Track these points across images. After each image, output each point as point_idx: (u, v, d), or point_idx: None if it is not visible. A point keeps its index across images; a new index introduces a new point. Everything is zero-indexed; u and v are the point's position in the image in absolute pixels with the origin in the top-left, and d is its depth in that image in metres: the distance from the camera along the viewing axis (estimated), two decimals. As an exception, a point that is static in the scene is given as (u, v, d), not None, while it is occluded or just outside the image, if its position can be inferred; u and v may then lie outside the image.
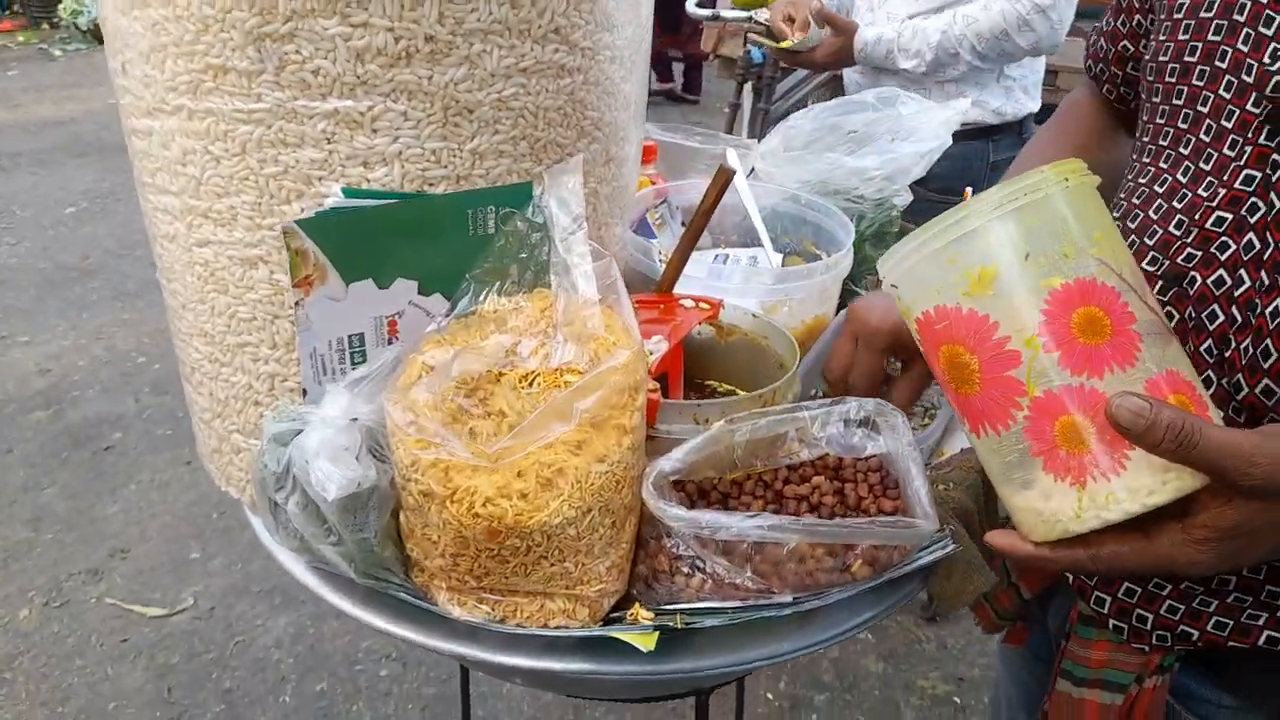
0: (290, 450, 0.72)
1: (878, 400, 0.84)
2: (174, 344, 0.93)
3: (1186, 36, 0.73)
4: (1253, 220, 0.67)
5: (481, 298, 0.80)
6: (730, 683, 1.44)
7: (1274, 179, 0.65)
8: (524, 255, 0.80)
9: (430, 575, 0.76)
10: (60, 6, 8.25)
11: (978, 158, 1.94)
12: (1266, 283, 0.66)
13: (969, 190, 1.34)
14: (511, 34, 0.76)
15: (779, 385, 0.89)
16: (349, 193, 0.76)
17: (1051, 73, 2.78)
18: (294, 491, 0.72)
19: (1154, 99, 0.77)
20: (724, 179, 0.93)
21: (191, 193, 0.79)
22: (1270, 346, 0.66)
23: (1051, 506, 0.59)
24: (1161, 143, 0.76)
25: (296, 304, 0.77)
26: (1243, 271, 0.67)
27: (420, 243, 0.79)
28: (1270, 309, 0.66)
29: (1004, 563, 0.96)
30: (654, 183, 1.27)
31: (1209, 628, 0.75)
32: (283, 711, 2.13)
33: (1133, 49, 0.90)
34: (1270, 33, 0.65)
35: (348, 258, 0.77)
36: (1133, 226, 0.77)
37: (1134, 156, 0.81)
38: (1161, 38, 0.76)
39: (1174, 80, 0.74)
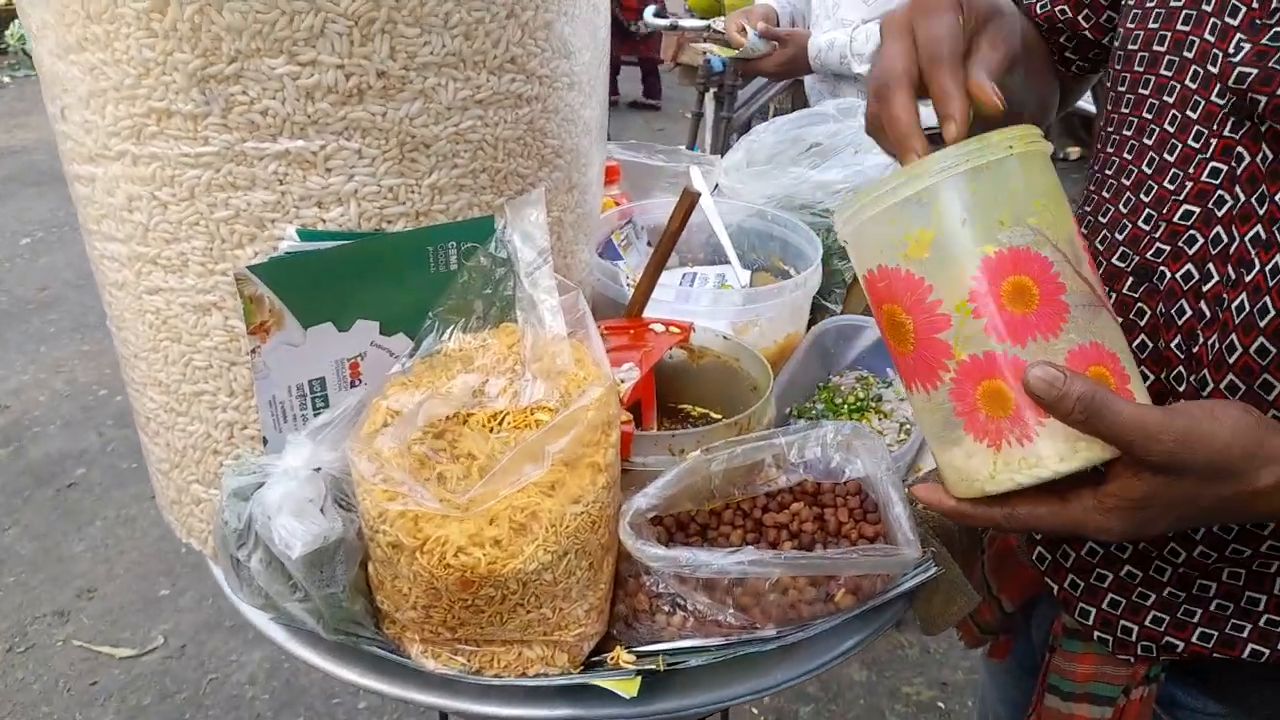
0: (251, 506, 0.69)
1: (854, 423, 0.83)
2: (128, 393, 0.90)
3: (1156, 25, 0.72)
4: (1220, 214, 0.66)
5: (446, 336, 0.78)
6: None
7: (1238, 172, 0.65)
8: (488, 291, 0.78)
9: (402, 627, 0.74)
10: (7, 33, 8.09)
11: None
12: (1233, 277, 0.65)
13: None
14: (466, 66, 0.74)
15: (754, 410, 0.87)
16: (304, 235, 0.74)
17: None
18: (256, 548, 0.70)
19: (1119, 88, 0.76)
20: (689, 202, 0.91)
21: (139, 239, 0.76)
22: (1235, 341, 0.65)
23: (971, 466, 0.60)
24: (1126, 133, 0.75)
25: (252, 351, 0.74)
26: (1210, 266, 0.67)
27: (380, 282, 0.77)
28: (1235, 304, 0.65)
29: (984, 576, 0.95)
30: (618, 203, 1.25)
31: (1194, 639, 0.74)
32: (260, 750, 2.08)
33: (1088, 22, 0.85)
34: (1235, 22, 0.65)
35: (305, 302, 0.74)
36: (1104, 221, 0.76)
37: (1098, 146, 0.80)
38: (1130, 25, 0.74)
39: (1142, 69, 0.73)
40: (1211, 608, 0.73)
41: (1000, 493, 0.60)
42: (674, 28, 2.59)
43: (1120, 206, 0.74)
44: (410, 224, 0.77)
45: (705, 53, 2.86)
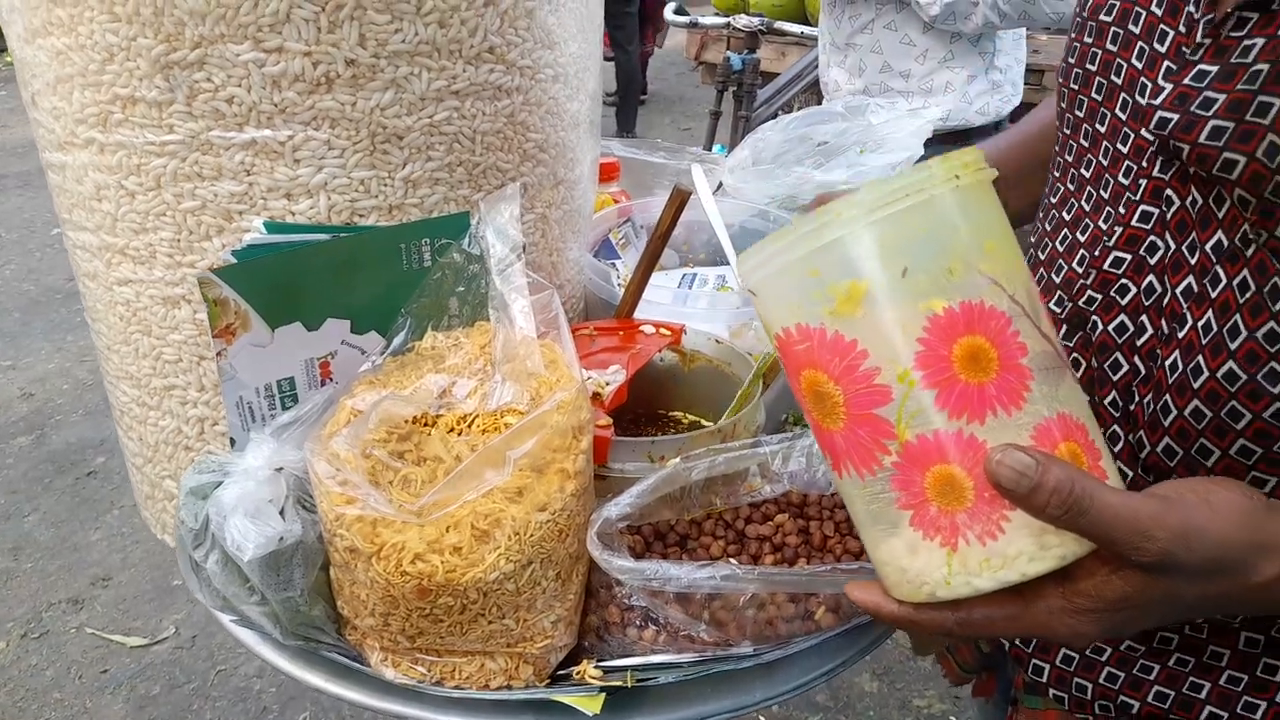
0: (208, 505, 0.67)
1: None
2: (104, 386, 0.89)
3: (1090, 40, 0.65)
4: (1152, 261, 0.60)
5: (418, 334, 0.76)
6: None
7: (1168, 216, 0.58)
8: (461, 288, 0.76)
9: (363, 634, 0.71)
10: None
11: None
12: (1166, 332, 0.59)
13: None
14: (441, 55, 0.72)
15: (739, 416, 0.84)
16: (271, 227, 0.72)
17: (1037, 72, 2.72)
18: (213, 549, 0.68)
19: (1062, 104, 0.69)
20: (679, 201, 0.88)
21: (108, 229, 0.75)
22: (1169, 402, 0.59)
23: (918, 565, 0.51)
24: (1067, 157, 0.68)
25: (218, 354, 0.72)
26: (1144, 318, 0.60)
27: (351, 280, 0.75)
28: (1169, 361, 0.58)
29: None
30: (616, 201, 1.22)
31: (1149, 698, 0.68)
32: (264, 743, 2.08)
33: None
34: (1163, 49, 0.58)
35: (271, 302, 0.72)
36: (1042, 258, 0.69)
37: (1051, 169, 0.73)
38: (1071, 35, 0.68)
39: (1077, 88, 0.66)
40: (1171, 662, 0.67)
41: (953, 599, 0.50)
42: (694, 25, 2.55)
43: (1058, 244, 0.68)
44: (383, 218, 0.75)
45: (727, 52, 2.83)
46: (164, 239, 0.73)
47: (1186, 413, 0.58)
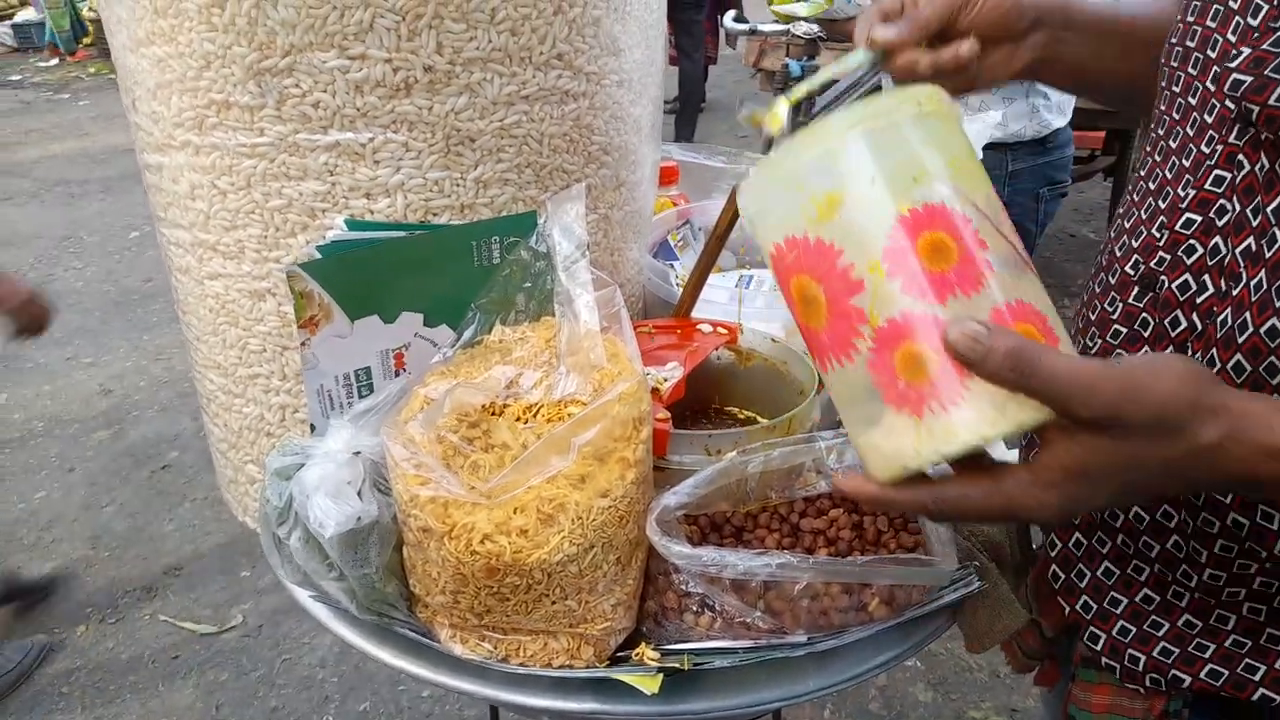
0: (292, 485, 0.71)
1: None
2: (193, 375, 0.94)
3: (1192, 19, 0.68)
4: (1220, 224, 0.62)
5: (487, 328, 0.79)
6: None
7: (1237, 180, 0.61)
8: (528, 284, 0.79)
9: (433, 612, 0.75)
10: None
11: (997, 166, 1.89)
12: (1223, 290, 0.62)
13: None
14: (512, 61, 0.75)
15: (795, 413, 0.86)
16: (352, 225, 0.76)
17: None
18: (296, 527, 0.72)
19: (1161, 82, 0.72)
20: (736, 203, 0.90)
21: (201, 226, 0.80)
22: (1215, 356, 0.61)
23: (892, 443, 0.55)
24: (1159, 132, 0.71)
25: (302, 344, 0.76)
26: (1206, 277, 0.63)
27: (425, 276, 0.79)
28: (1221, 318, 0.61)
29: (1028, 598, 0.91)
30: (675, 204, 1.25)
31: (1202, 675, 0.69)
32: (326, 731, 2.14)
33: None
34: (1255, 23, 0.60)
35: (352, 296, 0.77)
36: (1127, 226, 0.72)
37: (1143, 145, 0.76)
38: (1178, 18, 0.71)
39: (1175, 65, 0.69)
40: (1227, 643, 0.68)
41: (925, 469, 0.55)
42: (754, 32, 2.57)
43: (1142, 212, 0.70)
44: (455, 216, 0.78)
45: (786, 59, 2.84)
46: (252, 235, 0.78)
47: (1229, 366, 0.60)
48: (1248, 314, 0.59)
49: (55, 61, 8.89)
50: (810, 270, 0.56)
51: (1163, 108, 0.71)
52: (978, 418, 0.52)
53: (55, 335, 3.86)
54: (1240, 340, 0.60)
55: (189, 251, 0.82)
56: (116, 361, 3.71)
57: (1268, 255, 0.58)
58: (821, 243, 0.55)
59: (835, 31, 2.08)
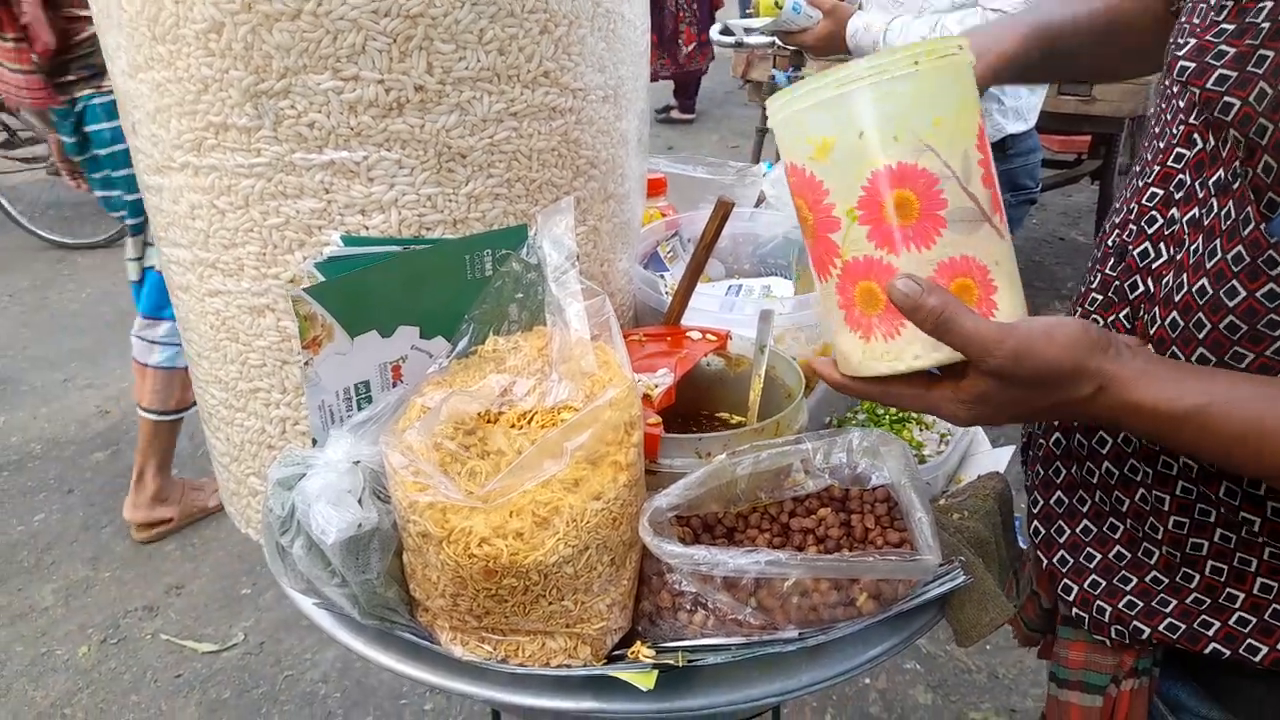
0: (294, 495, 0.73)
1: (880, 430, 0.83)
2: (194, 390, 0.96)
3: (1185, 20, 0.72)
4: (1177, 196, 0.69)
5: (481, 338, 0.81)
6: (760, 714, 1.41)
7: (1190, 156, 0.68)
8: (520, 295, 0.81)
9: (433, 615, 0.77)
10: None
11: None
12: (1169, 255, 0.69)
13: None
14: (501, 80, 0.78)
15: (783, 416, 0.88)
16: (348, 240, 0.78)
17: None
18: (298, 535, 0.74)
19: (1163, 80, 0.78)
20: (723, 212, 0.93)
21: (201, 245, 0.82)
22: (1156, 314, 0.69)
23: (847, 349, 0.70)
24: (1153, 125, 0.77)
25: (306, 364, 0.78)
26: (1161, 244, 0.70)
27: (420, 289, 0.81)
28: (1164, 279, 0.69)
29: (1014, 589, 0.94)
30: (664, 215, 1.27)
31: (1160, 627, 0.74)
32: (330, 746, 2.15)
33: None
34: (1221, 18, 0.65)
35: (353, 314, 0.79)
36: (1117, 206, 0.79)
37: (1142, 141, 0.82)
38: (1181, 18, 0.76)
39: (1168, 58, 0.74)
40: (1188, 600, 0.73)
41: (870, 375, 0.68)
42: (740, 46, 2.60)
43: (1126, 191, 0.77)
44: (448, 231, 0.81)
45: (773, 71, 2.87)
46: (251, 253, 0.80)
47: (1166, 323, 0.68)
48: (1185, 275, 0.67)
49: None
50: (804, 197, 0.68)
51: (1161, 104, 0.77)
52: (905, 352, 0.66)
53: (51, 358, 3.89)
54: (1176, 299, 0.67)
55: (189, 270, 0.84)
56: (113, 383, 3.72)
57: (1205, 223, 0.65)
58: (814, 178, 0.66)
59: (790, 42, 2.10)
